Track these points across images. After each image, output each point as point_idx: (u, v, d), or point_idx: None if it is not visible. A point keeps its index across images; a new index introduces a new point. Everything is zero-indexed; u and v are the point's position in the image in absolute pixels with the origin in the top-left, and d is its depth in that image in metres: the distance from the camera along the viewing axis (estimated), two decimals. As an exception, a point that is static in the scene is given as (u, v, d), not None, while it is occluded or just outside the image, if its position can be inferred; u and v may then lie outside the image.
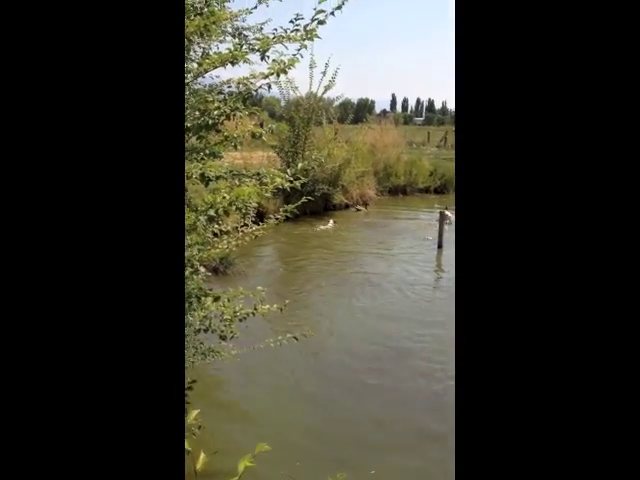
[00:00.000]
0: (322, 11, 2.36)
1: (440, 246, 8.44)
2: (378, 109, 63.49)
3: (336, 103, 13.67)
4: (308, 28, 2.39)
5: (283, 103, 11.90)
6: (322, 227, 10.11)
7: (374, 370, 4.29)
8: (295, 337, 3.20)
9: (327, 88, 11.20)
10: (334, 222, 10.44)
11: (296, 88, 11.24)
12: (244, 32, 2.82)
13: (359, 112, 30.60)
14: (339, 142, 12.26)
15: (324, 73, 11.08)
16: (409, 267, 7.49)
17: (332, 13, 2.32)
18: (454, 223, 8.21)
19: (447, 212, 8.96)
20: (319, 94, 11.35)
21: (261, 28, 2.94)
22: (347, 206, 12.04)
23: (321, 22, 2.35)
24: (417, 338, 4.96)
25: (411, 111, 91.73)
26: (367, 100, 70.89)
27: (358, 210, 11.85)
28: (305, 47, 2.48)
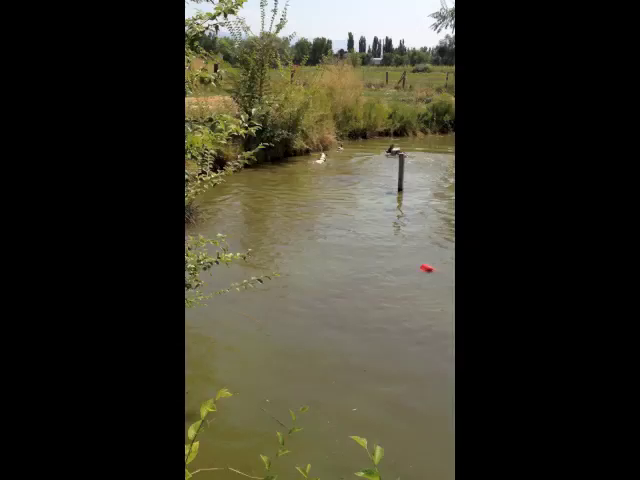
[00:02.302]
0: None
1: (400, 189, 8.51)
2: (335, 49, 61.72)
3: (292, 43, 13.23)
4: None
5: (236, 45, 11.41)
6: (316, 162, 11.01)
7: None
8: (260, 279, 3.23)
9: (279, 27, 10.75)
10: (326, 156, 11.44)
11: (248, 28, 10.77)
12: (187, -31, 2.67)
13: (316, 53, 29.67)
14: (296, 85, 11.95)
15: (275, 11, 10.63)
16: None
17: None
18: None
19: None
20: (272, 33, 10.92)
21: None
22: (307, 151, 11.92)
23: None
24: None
25: (369, 51, 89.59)
26: (324, 40, 68.64)
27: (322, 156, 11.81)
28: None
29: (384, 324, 4.21)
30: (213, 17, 2.47)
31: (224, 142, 2.86)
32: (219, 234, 3.03)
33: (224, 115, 2.61)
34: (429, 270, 5.23)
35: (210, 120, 2.57)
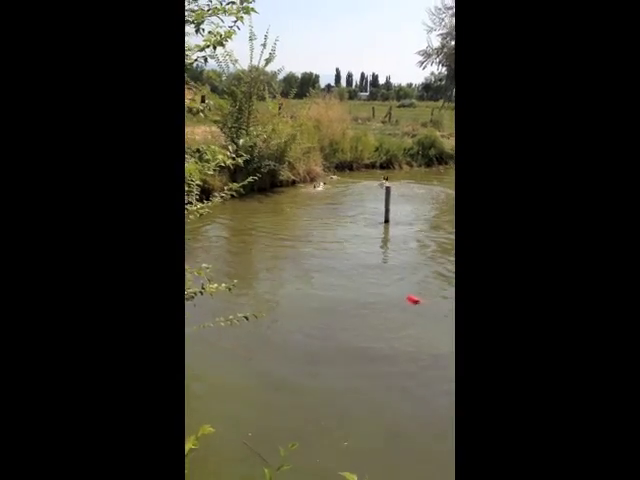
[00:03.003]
0: (257, -17, 2.31)
1: (387, 221, 8.57)
2: (323, 84, 63.05)
3: (279, 77, 13.48)
4: (245, 3, 2.33)
5: (224, 77, 11.58)
6: (316, 189, 11.71)
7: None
8: (246, 317, 3.18)
9: (268, 61, 10.97)
10: (324, 184, 12.10)
11: (236, 61, 10.96)
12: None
13: (303, 86, 30.29)
14: (284, 117, 12.11)
15: (264, 45, 10.84)
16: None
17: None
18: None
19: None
20: (260, 67, 11.12)
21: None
22: (294, 182, 12.00)
23: (258, -6, 2.30)
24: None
25: (356, 86, 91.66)
26: (311, 74, 70.14)
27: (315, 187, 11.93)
28: (242, 20, 2.43)
29: (372, 359, 4.15)
30: (202, 49, 2.50)
31: (211, 172, 2.85)
32: (204, 264, 3.00)
33: (212, 146, 2.61)
34: (415, 302, 5.21)
35: (198, 151, 2.58)
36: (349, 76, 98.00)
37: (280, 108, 12.19)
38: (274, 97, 12.05)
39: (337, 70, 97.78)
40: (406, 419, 3.37)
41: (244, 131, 11.02)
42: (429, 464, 2.90)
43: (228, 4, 2.37)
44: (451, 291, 5.37)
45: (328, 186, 12.16)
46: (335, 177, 13.38)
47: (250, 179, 3.42)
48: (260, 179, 9.96)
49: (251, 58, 11.04)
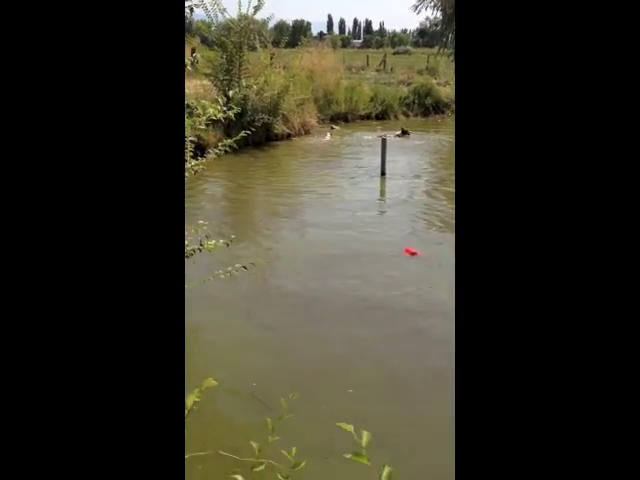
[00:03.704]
0: None
1: (383, 173, 8.50)
2: (315, 31, 61.05)
3: (270, 25, 13.03)
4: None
5: (213, 27, 11.17)
6: (323, 139, 11.96)
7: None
8: (244, 266, 3.20)
9: (257, 8, 10.54)
10: (331, 135, 12.31)
11: (224, 10, 10.54)
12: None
13: (295, 35, 29.30)
14: (276, 68, 11.79)
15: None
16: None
17: None
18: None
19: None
20: (249, 15, 10.71)
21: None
22: (289, 135, 11.82)
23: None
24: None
25: (349, 33, 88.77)
26: (303, 22, 67.82)
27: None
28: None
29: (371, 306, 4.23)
30: None
31: (203, 127, 2.81)
32: (200, 221, 2.99)
33: (202, 100, 2.56)
34: (413, 254, 5.25)
35: (188, 106, 2.52)
36: (341, 23, 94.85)
37: (272, 58, 11.85)
38: (265, 47, 11.68)
39: (329, 17, 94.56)
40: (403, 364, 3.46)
41: (236, 83, 10.74)
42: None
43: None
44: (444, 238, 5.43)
45: (336, 137, 12.28)
46: (337, 127, 13.41)
47: (243, 133, 3.37)
48: (254, 133, 9.81)
49: (239, 6, 10.63)
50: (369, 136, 12.23)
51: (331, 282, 4.69)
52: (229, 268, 3.22)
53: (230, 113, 2.63)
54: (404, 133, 12.49)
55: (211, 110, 2.55)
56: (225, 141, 3.30)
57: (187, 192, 6.18)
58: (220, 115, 2.55)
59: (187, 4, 2.35)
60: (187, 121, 2.64)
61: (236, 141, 3.30)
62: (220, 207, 7.47)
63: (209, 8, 10.34)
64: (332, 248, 5.46)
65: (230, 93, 8.48)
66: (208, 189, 8.00)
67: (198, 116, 2.62)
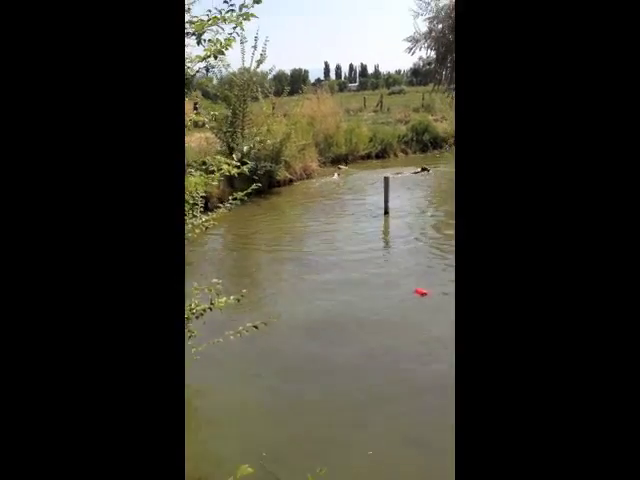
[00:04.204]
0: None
1: (386, 212, 8.58)
2: (312, 78, 62.78)
3: (269, 76, 13.43)
4: (244, 9, 2.35)
5: (215, 81, 11.54)
6: (329, 179, 12.49)
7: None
8: (255, 326, 3.08)
9: (260, 62, 10.93)
10: (339, 175, 12.86)
11: (228, 65, 10.92)
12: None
13: (294, 83, 30.16)
14: (277, 117, 12.10)
15: (255, 47, 10.81)
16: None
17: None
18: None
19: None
20: (251, 68, 11.08)
21: (189, 9, 2.84)
22: (291, 180, 12.01)
23: (257, 1, 2.32)
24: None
25: (345, 77, 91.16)
26: (300, 70, 69.82)
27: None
28: (242, 27, 2.43)
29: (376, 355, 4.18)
30: (203, 59, 2.52)
31: (215, 183, 2.85)
32: (214, 280, 2.93)
33: (217, 157, 2.64)
34: (423, 294, 5.24)
35: (204, 163, 2.61)
36: (338, 68, 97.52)
37: (273, 107, 12.17)
38: (267, 96, 12.01)
39: (326, 64, 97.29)
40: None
41: (239, 134, 11.00)
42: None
43: (227, 12, 2.38)
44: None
45: (342, 176, 12.80)
46: (344, 167, 13.87)
47: (254, 186, 3.40)
48: (257, 180, 9.83)
49: (243, 61, 11.01)
50: (378, 175, 12.32)
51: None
52: (240, 328, 3.10)
53: (245, 168, 2.71)
54: (424, 170, 12.67)
55: (225, 167, 2.63)
56: (236, 194, 3.29)
57: (192, 245, 5.82)
58: (234, 171, 2.62)
59: (202, 65, 2.44)
60: (201, 178, 2.71)
61: (239, 191, 3.28)
62: (227, 258, 7.39)
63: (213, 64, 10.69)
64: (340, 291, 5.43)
65: (244, 148, 8.61)
66: (209, 242, 7.70)
67: (212, 172, 2.69)
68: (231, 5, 2.35)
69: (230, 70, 11.15)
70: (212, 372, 3.86)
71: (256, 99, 11.52)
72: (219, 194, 8.40)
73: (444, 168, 12.68)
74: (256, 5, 2.37)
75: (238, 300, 3.08)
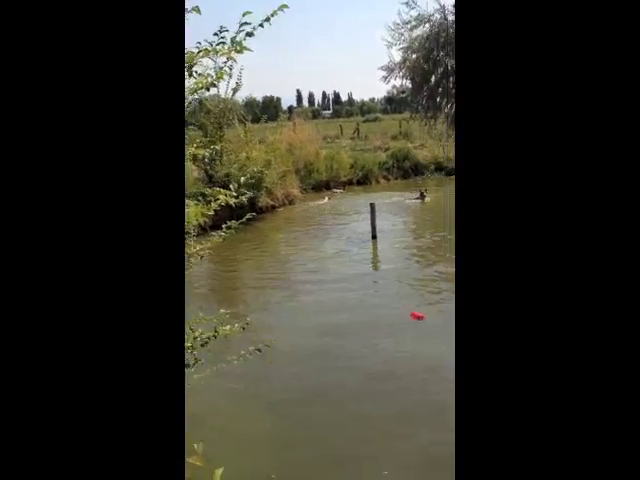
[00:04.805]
0: (247, 23, 2.30)
1: (374, 237, 8.59)
2: (284, 105, 63.54)
3: (240, 102, 13.52)
4: (236, 40, 2.31)
5: (190, 109, 11.53)
6: (319, 202, 12.86)
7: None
8: (258, 349, 3.09)
9: (235, 90, 11.01)
10: (329, 198, 13.12)
11: (203, 93, 10.93)
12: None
13: (265, 110, 30.58)
14: (255, 144, 12.12)
15: (230, 75, 10.84)
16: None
17: (261, 25, 2.26)
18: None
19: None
20: (227, 96, 11.14)
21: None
22: (273, 207, 11.99)
23: (249, 34, 2.28)
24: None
25: (318, 105, 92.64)
26: (272, 97, 70.65)
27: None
28: (234, 60, 2.40)
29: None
30: (194, 92, 2.48)
31: (211, 213, 2.81)
32: (222, 310, 2.91)
33: (216, 188, 2.59)
34: (419, 318, 5.20)
35: (203, 195, 2.54)
36: (310, 96, 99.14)
37: (246, 134, 12.17)
38: (243, 124, 12.05)
39: (298, 91, 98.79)
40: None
41: (218, 161, 10.96)
42: None
43: (218, 44, 2.35)
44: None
45: (334, 200, 13.15)
46: (338, 191, 14.28)
47: (249, 215, 3.36)
48: (238, 208, 9.83)
49: (218, 88, 11.04)
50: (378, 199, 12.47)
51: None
52: (242, 352, 3.09)
53: (243, 198, 2.64)
54: (422, 196, 12.65)
55: (222, 197, 2.56)
56: (230, 223, 3.26)
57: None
58: (232, 201, 2.56)
59: (193, 97, 2.40)
60: (198, 209, 2.64)
61: (220, 219, 3.21)
62: (217, 285, 7.34)
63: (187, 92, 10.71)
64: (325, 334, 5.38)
65: (242, 179, 8.60)
66: (197, 272, 7.74)
67: (209, 202, 2.63)
68: (221, 38, 2.32)
69: (206, 98, 11.17)
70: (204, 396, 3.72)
71: (232, 126, 11.53)
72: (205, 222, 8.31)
73: (435, 193, 12.82)
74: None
75: (243, 328, 3.04)
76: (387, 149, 17.37)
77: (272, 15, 2.26)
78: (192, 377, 3.03)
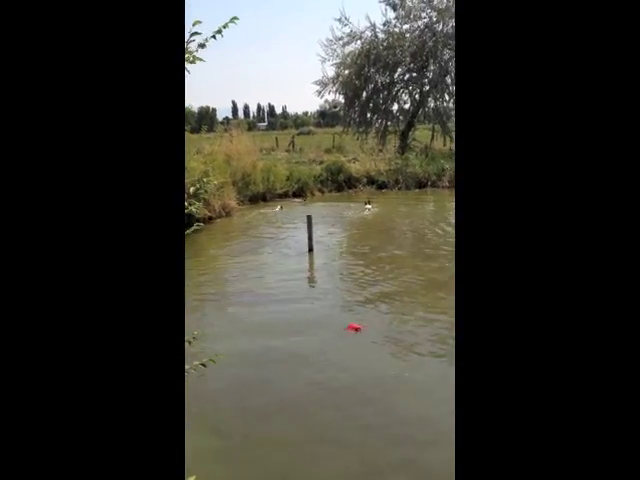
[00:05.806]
0: (197, 33, 2.32)
1: (311, 250, 8.67)
2: (220, 117, 62.87)
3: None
4: (188, 51, 2.33)
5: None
6: (274, 210, 13.03)
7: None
8: (203, 364, 3.04)
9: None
10: (281, 207, 13.25)
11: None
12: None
13: (201, 120, 30.15)
14: (193, 154, 11.93)
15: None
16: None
17: (213, 37, 2.30)
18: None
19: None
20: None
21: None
22: (210, 218, 11.81)
23: (202, 45, 2.31)
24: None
25: (253, 117, 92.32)
26: (208, 108, 69.66)
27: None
28: (187, 71, 2.41)
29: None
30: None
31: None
32: (195, 332, 2.84)
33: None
34: (357, 329, 5.28)
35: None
36: (246, 108, 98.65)
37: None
38: (181, 134, 11.82)
39: (233, 102, 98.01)
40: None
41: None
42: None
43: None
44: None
45: (286, 209, 13.13)
46: (299, 201, 14.43)
47: (196, 225, 3.34)
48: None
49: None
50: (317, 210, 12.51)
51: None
52: (195, 362, 3.04)
53: (192, 208, 2.64)
54: (366, 205, 12.95)
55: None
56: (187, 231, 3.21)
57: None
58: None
59: None
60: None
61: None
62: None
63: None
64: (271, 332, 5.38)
65: (191, 189, 8.33)
66: None
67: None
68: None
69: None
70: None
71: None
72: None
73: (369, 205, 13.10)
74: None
75: (189, 342, 2.97)
76: (321, 162, 17.64)
77: (224, 27, 2.30)
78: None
